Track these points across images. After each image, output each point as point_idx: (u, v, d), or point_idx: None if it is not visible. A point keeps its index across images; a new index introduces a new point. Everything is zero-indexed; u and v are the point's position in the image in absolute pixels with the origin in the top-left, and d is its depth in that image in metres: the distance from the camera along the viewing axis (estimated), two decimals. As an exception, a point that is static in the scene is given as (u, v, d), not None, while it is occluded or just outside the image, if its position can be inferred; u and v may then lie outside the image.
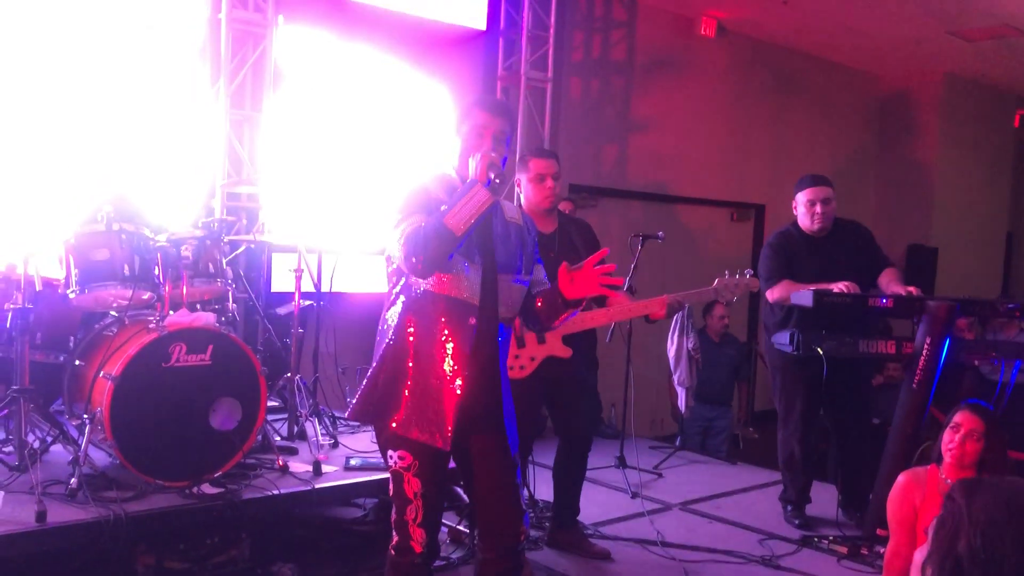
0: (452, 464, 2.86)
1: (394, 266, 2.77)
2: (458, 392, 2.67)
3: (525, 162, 4.03)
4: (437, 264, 2.61)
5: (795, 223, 4.71)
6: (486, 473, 2.81)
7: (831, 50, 9.73)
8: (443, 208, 2.60)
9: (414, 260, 2.58)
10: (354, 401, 2.79)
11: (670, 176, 8.67)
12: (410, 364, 2.70)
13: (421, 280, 2.69)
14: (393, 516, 2.76)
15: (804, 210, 4.62)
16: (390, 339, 2.74)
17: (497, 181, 2.64)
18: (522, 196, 4.08)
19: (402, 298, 2.74)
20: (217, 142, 5.49)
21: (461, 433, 2.71)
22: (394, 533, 2.77)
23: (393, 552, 2.77)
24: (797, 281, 4.48)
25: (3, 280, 3.90)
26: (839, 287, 4.31)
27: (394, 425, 2.69)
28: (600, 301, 4.04)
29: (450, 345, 2.68)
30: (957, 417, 3.45)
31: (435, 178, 2.82)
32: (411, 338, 2.70)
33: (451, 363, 2.68)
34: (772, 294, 4.58)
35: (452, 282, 2.68)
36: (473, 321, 2.69)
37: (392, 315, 2.76)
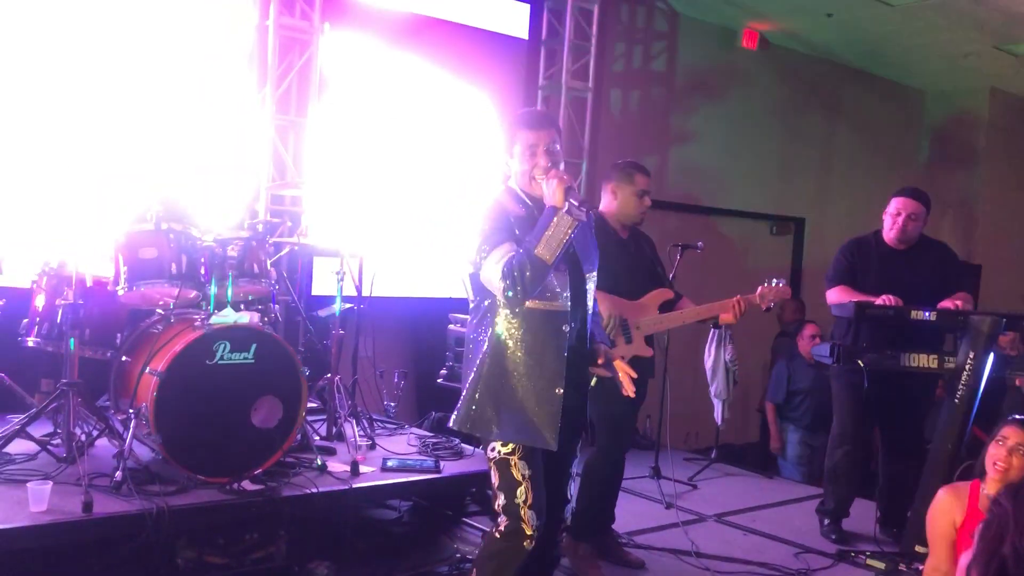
0: None
1: (480, 278, 2.88)
2: (560, 395, 2.81)
3: (631, 175, 4.13)
4: (535, 291, 2.77)
5: (878, 231, 4.69)
6: (561, 465, 2.96)
7: (876, 64, 9.65)
8: (528, 239, 2.74)
9: (512, 294, 2.74)
10: (456, 413, 2.92)
11: (709, 188, 8.65)
12: (511, 374, 2.84)
13: None
14: (501, 503, 2.83)
15: (889, 217, 4.61)
16: (485, 351, 2.86)
17: (575, 203, 2.73)
18: (614, 201, 4.15)
19: (494, 312, 2.86)
20: (262, 146, 5.58)
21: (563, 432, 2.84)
22: (502, 518, 2.84)
23: (499, 536, 2.83)
24: (861, 291, 4.46)
25: (55, 276, 4.00)
26: (882, 300, 4.28)
27: (499, 432, 2.82)
28: (669, 306, 4.20)
29: (549, 353, 2.82)
30: (1004, 431, 3.39)
31: (505, 194, 2.94)
32: (508, 351, 2.84)
33: (552, 369, 2.82)
34: (829, 296, 4.59)
35: (544, 295, 2.82)
36: (567, 328, 2.84)
37: (484, 327, 2.89)
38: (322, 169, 5.77)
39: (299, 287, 5.39)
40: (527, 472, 2.80)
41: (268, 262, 4.24)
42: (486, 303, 2.89)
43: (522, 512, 2.79)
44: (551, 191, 2.77)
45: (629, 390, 2.98)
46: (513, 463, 2.81)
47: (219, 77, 5.57)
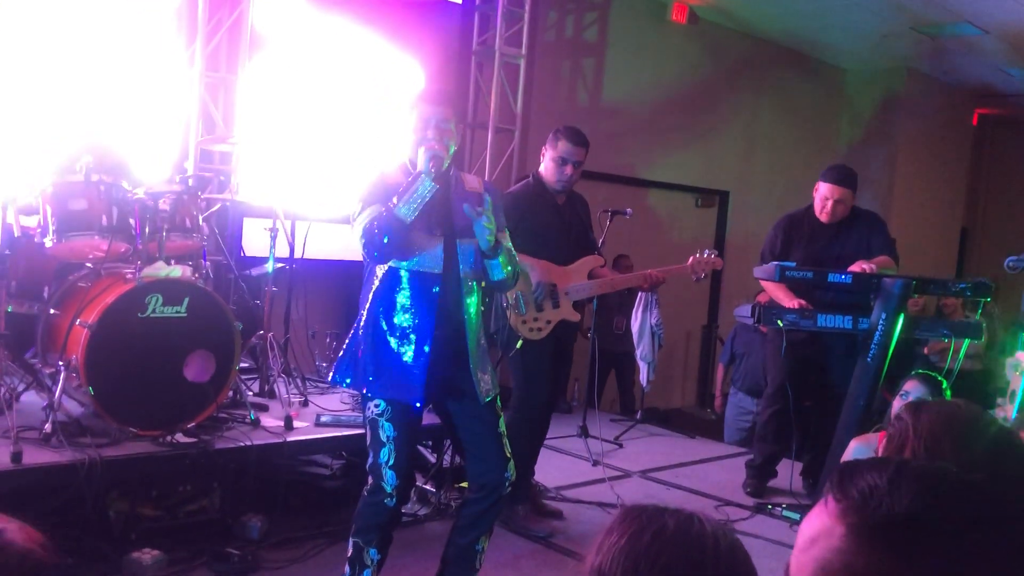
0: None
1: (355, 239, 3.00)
2: (427, 356, 2.92)
3: (556, 140, 4.14)
4: (396, 252, 2.88)
5: (810, 206, 4.83)
6: (467, 431, 3.10)
7: (799, 42, 9.91)
8: (394, 200, 2.85)
9: (375, 253, 2.87)
10: (336, 367, 3.10)
11: (638, 160, 8.80)
12: (382, 334, 2.96)
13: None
14: (369, 461, 2.98)
15: (819, 199, 4.75)
16: (364, 310, 3.01)
17: (433, 169, 2.86)
18: (542, 166, 4.21)
19: (374, 273, 3.01)
20: (192, 102, 5.50)
21: (438, 394, 3.01)
22: (369, 477, 2.99)
23: (366, 494, 3.00)
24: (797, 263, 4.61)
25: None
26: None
27: (371, 390, 2.95)
28: (590, 275, 4.28)
29: (420, 313, 2.94)
30: (907, 386, 3.62)
31: (397, 168, 3.07)
32: (381, 309, 2.97)
33: (421, 329, 2.93)
34: (756, 271, 4.74)
35: (415, 258, 2.93)
36: (436, 290, 2.94)
37: (368, 286, 3.03)
38: (253, 127, 5.71)
39: (229, 246, 5.35)
40: (393, 434, 2.92)
41: (200, 217, 4.20)
42: (368, 265, 3.04)
43: (383, 471, 2.93)
44: (422, 156, 2.88)
45: None
46: (381, 424, 2.93)
47: (149, 31, 5.45)
